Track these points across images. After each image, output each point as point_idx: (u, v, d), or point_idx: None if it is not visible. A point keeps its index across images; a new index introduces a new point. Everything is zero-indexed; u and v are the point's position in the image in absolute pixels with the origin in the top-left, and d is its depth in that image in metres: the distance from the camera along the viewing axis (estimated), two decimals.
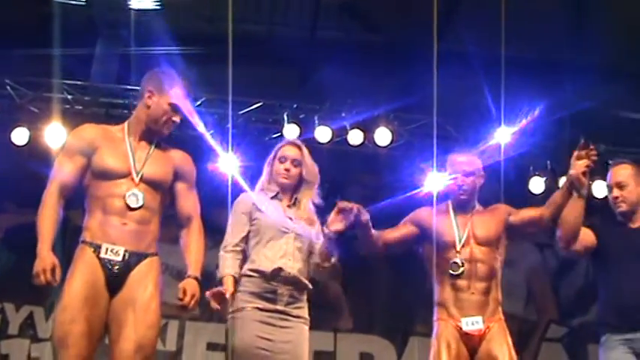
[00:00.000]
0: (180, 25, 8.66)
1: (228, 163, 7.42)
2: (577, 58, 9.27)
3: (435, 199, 5.53)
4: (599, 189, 8.88)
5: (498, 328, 5.27)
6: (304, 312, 5.21)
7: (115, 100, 8.60)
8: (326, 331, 9.45)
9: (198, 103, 8.11)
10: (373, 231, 5.29)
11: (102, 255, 4.50)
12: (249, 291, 5.11)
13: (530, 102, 7.93)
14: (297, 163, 5.32)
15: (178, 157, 4.82)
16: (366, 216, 5.15)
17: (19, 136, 8.40)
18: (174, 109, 4.72)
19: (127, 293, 4.51)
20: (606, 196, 8.28)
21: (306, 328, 5.21)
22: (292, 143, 5.47)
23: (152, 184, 4.65)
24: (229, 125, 8.17)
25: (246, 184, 5.44)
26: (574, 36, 9.32)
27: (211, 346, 9.12)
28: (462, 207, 5.44)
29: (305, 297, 5.23)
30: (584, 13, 9.20)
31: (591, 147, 5.16)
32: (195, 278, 4.66)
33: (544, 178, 8.60)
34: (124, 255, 4.52)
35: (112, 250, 4.50)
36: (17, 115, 8.52)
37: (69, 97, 8.52)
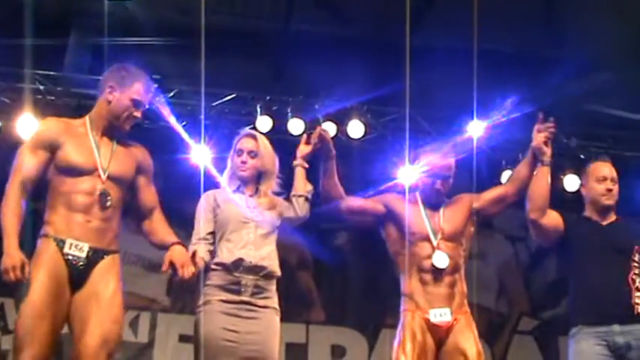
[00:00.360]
0: (154, 17, 8.63)
1: (200, 155, 7.41)
2: (550, 53, 9.31)
3: (407, 192, 5.55)
4: (570, 183, 8.94)
5: (465, 320, 5.29)
6: (272, 302, 5.18)
7: (87, 90, 8.53)
8: (298, 323, 9.46)
9: (171, 94, 8.09)
10: (339, 186, 5.32)
11: (66, 250, 4.51)
12: (214, 284, 5.11)
13: (504, 96, 7.96)
14: (253, 154, 5.34)
15: (139, 152, 4.85)
16: (329, 136, 5.31)
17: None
18: (136, 104, 4.74)
19: (89, 289, 4.52)
20: (577, 191, 8.35)
21: (277, 317, 5.19)
22: (248, 135, 5.48)
23: (117, 181, 4.67)
24: (202, 117, 8.15)
25: (219, 176, 5.43)
26: (548, 31, 9.36)
27: (183, 338, 9.08)
28: (432, 202, 5.47)
29: (273, 287, 5.21)
30: (558, 8, 9.23)
31: (549, 120, 5.36)
32: (179, 243, 4.72)
33: None
34: (88, 252, 4.53)
35: (76, 246, 4.52)
36: None
37: (41, 87, 8.46)
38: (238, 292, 5.08)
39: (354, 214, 5.48)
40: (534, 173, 5.41)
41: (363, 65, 8.90)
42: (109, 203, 4.58)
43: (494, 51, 8.83)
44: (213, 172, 5.56)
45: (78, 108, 8.15)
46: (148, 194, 4.84)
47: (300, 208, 5.31)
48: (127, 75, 4.76)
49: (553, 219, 5.44)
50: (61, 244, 4.51)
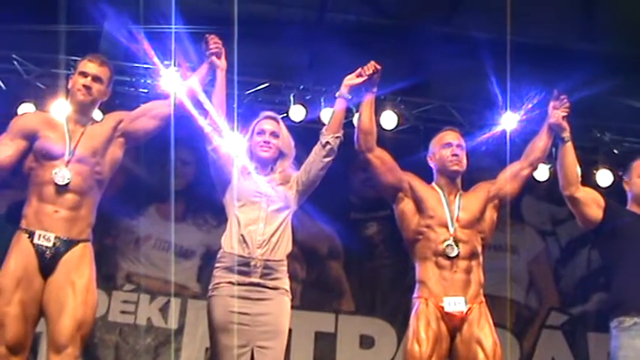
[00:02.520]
0: (189, 4, 8.64)
1: (233, 143, 7.42)
2: (585, 45, 9.26)
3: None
4: (603, 178, 8.89)
5: (480, 310, 5.22)
6: (282, 283, 5.13)
7: (121, 77, 8.60)
8: (327, 313, 9.48)
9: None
10: (375, 123, 5.35)
11: (35, 241, 4.75)
12: (224, 266, 5.11)
13: (537, 88, 7.93)
14: (275, 135, 5.39)
15: (111, 116, 5.17)
16: (378, 71, 5.30)
17: (26, 111, 8.39)
18: (81, 75, 5.03)
19: (63, 277, 4.73)
20: (610, 186, 8.34)
21: (287, 299, 5.14)
22: (269, 117, 5.51)
23: (83, 161, 4.89)
24: (235, 105, 8.16)
25: (240, 157, 5.43)
26: (582, 24, 9.31)
27: None
28: (449, 186, 5.45)
29: (284, 267, 5.16)
30: (593, 1, 9.18)
31: (562, 98, 5.49)
32: None
33: (548, 166, 8.59)
34: (55, 241, 4.75)
35: (44, 237, 4.76)
36: (24, 90, 8.54)
37: None
38: (248, 274, 5.04)
39: (380, 162, 5.35)
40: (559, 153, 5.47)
41: (397, 56, 8.89)
42: (63, 182, 4.79)
43: (529, 44, 8.79)
44: (246, 161, 5.55)
45: (112, 94, 8.20)
46: (142, 119, 5.15)
47: (334, 144, 5.27)
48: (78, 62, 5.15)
49: (589, 192, 5.45)
50: (31, 235, 4.77)
